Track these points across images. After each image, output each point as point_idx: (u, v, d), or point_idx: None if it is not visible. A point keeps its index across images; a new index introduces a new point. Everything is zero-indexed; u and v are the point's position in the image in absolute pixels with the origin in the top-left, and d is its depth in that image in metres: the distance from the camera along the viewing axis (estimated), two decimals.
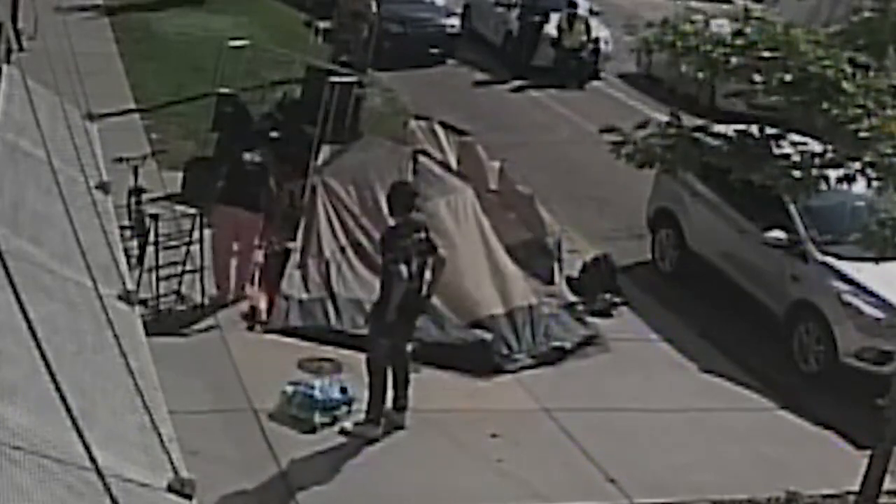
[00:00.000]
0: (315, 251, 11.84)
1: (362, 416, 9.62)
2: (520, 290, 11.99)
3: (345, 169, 12.56)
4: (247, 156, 11.79)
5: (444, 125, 13.81)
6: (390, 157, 12.72)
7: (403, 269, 9.17)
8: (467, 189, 12.63)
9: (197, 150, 15.01)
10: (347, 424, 9.57)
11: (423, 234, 9.55)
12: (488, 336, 11.30)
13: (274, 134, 13.24)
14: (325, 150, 12.85)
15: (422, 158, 12.68)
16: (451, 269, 11.84)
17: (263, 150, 11.96)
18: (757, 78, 9.07)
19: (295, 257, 11.79)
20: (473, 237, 12.17)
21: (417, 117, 14.45)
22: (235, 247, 11.62)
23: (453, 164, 13.24)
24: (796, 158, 9.06)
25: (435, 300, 11.46)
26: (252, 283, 11.80)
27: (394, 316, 9.26)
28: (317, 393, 9.72)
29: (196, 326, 11.08)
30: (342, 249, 11.88)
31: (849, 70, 8.81)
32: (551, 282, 12.79)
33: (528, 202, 13.36)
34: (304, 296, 11.44)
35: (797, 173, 8.90)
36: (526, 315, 11.69)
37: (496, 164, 13.72)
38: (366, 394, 9.55)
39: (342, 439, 9.48)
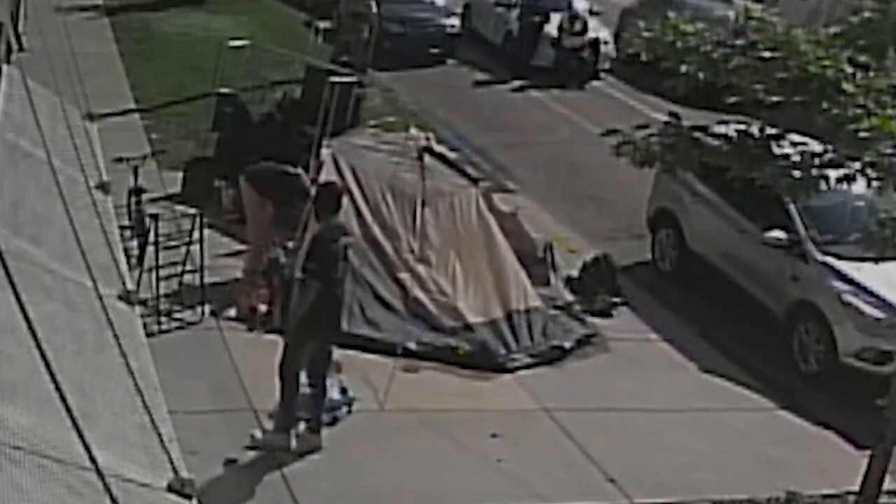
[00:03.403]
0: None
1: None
2: (522, 293, 11.99)
3: (349, 150, 12.51)
4: (290, 168, 12.06)
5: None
6: (394, 149, 12.68)
7: (317, 284, 8.77)
8: (472, 188, 12.61)
9: (197, 150, 15.01)
10: (257, 433, 9.16)
11: (350, 238, 9.38)
12: (485, 337, 11.33)
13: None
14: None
15: (427, 157, 12.64)
16: (451, 271, 11.89)
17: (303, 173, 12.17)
18: (757, 78, 9.07)
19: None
20: (476, 238, 12.16)
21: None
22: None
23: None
24: (796, 158, 9.06)
25: (429, 304, 11.50)
26: (255, 280, 11.81)
27: (305, 325, 8.92)
28: None
29: (196, 326, 11.08)
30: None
31: (849, 70, 8.81)
32: (547, 284, 12.79)
33: (511, 218, 13.29)
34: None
35: (797, 173, 8.90)
36: (525, 318, 11.70)
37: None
38: (277, 398, 9.16)
39: (342, 439, 9.47)
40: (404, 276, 11.64)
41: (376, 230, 11.89)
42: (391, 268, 11.65)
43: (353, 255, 9.46)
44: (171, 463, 4.44)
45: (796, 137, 9.44)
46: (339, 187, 9.71)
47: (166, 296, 11.26)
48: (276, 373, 9.08)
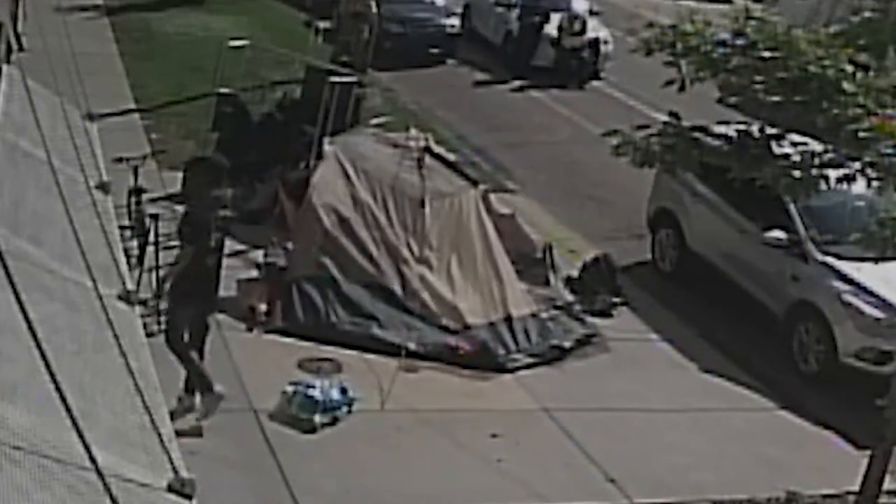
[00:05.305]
0: (322, 215, 11.77)
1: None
2: (520, 297, 11.98)
3: (350, 150, 12.50)
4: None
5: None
6: (394, 149, 12.67)
7: (190, 249, 9.12)
8: (472, 189, 12.60)
9: (197, 150, 15.00)
10: (198, 406, 9.29)
11: (226, 212, 9.55)
12: (486, 338, 11.33)
13: None
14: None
15: (427, 157, 12.63)
16: (450, 272, 11.89)
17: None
18: (757, 78, 9.06)
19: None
20: (475, 240, 12.14)
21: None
22: None
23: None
24: (796, 158, 9.06)
25: (430, 304, 11.50)
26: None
27: (177, 290, 9.23)
28: (317, 393, 9.72)
29: None
30: (343, 221, 11.79)
31: (849, 70, 8.81)
32: (547, 284, 12.79)
33: (510, 220, 13.27)
34: (308, 273, 11.40)
35: (797, 173, 8.90)
36: (525, 322, 11.70)
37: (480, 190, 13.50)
38: (182, 373, 9.31)
39: (342, 439, 9.48)
40: (404, 276, 11.63)
41: (377, 231, 11.89)
42: (391, 268, 11.65)
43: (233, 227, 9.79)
44: (171, 463, 4.43)
45: (796, 137, 9.43)
46: (222, 163, 9.76)
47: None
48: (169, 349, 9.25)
